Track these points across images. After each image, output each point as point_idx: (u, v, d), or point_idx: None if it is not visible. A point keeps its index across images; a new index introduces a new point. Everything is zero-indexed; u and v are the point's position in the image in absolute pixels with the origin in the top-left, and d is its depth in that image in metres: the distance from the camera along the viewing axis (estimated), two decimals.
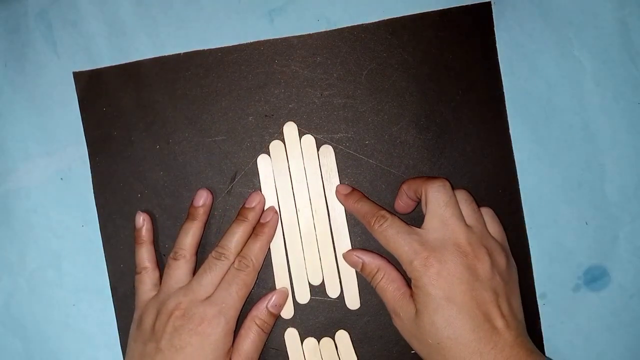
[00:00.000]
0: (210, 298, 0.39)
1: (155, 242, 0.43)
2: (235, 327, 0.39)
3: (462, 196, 0.39)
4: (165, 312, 0.38)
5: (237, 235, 0.40)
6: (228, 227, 0.41)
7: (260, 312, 0.40)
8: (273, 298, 0.41)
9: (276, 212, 0.42)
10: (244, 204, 0.42)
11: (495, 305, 0.35)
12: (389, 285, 0.38)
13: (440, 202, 0.37)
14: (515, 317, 0.36)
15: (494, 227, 0.39)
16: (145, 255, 0.42)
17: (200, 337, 0.37)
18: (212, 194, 0.42)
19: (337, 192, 0.42)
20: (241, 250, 0.40)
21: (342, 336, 0.42)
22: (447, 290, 0.35)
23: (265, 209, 0.42)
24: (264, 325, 0.40)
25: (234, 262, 0.40)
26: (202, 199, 0.42)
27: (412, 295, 0.37)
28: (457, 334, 0.35)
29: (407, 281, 0.38)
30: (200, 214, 0.41)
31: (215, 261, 0.40)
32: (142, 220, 0.42)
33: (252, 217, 0.41)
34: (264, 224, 0.41)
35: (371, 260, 0.39)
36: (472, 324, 0.35)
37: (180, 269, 0.40)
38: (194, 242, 0.41)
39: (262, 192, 0.42)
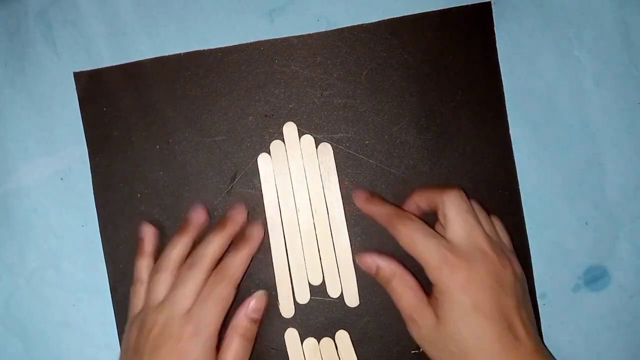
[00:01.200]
0: (188, 314, 0.37)
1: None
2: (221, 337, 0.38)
3: (476, 205, 0.38)
4: (145, 330, 0.37)
5: (212, 244, 0.39)
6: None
7: (240, 320, 0.39)
8: (251, 303, 0.39)
9: (262, 227, 0.41)
10: (226, 213, 0.41)
11: (517, 314, 0.35)
12: (406, 292, 0.37)
13: (461, 210, 0.37)
14: (533, 325, 0.36)
15: (504, 235, 0.39)
16: (144, 268, 0.40)
17: (180, 355, 0.36)
18: (207, 212, 0.41)
19: (356, 197, 0.41)
20: (218, 261, 0.39)
21: (342, 336, 0.42)
22: (474, 297, 0.34)
23: (255, 222, 0.41)
24: (246, 333, 0.38)
25: (210, 274, 0.38)
26: (197, 215, 0.41)
27: (430, 301, 0.36)
28: (484, 343, 0.34)
29: (424, 287, 0.37)
30: (192, 229, 0.40)
31: (186, 272, 0.38)
32: (147, 232, 0.41)
33: (231, 227, 0.40)
34: (249, 237, 0.40)
35: (387, 265, 0.38)
36: (497, 333, 0.34)
37: (161, 282, 0.38)
38: (179, 256, 0.39)
39: (263, 192, 0.42)
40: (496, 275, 0.35)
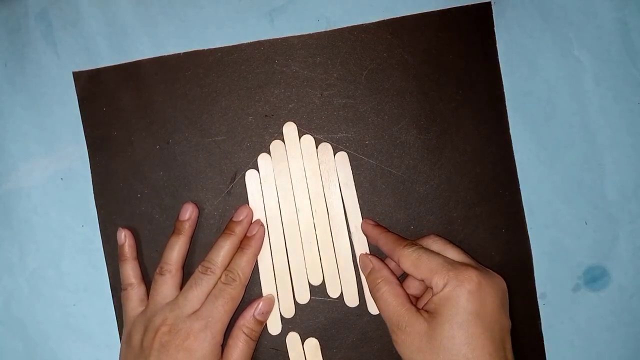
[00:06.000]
0: (197, 312, 0.38)
1: (155, 243, 0.43)
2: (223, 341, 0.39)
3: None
4: (152, 329, 0.38)
5: (224, 249, 0.40)
6: (215, 240, 0.41)
7: (248, 320, 0.40)
8: (260, 305, 0.41)
9: (262, 225, 0.42)
10: (232, 218, 0.42)
11: (509, 338, 0.35)
12: (393, 299, 0.37)
13: (447, 245, 0.38)
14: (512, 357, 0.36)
15: None
16: (130, 272, 0.42)
17: (187, 352, 0.37)
18: (197, 207, 0.42)
19: (364, 223, 0.42)
20: (228, 264, 0.40)
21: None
22: (479, 307, 0.34)
23: (253, 220, 0.42)
24: (252, 334, 0.40)
25: (220, 276, 0.40)
26: (188, 212, 0.42)
27: (420, 311, 0.36)
28: (475, 353, 0.33)
29: (412, 299, 0.37)
30: (186, 228, 0.41)
31: (201, 276, 0.39)
32: (123, 237, 0.42)
33: (239, 230, 0.41)
34: (251, 237, 0.41)
35: (381, 267, 0.39)
36: (492, 348, 0.34)
37: (166, 284, 0.40)
38: (179, 257, 0.41)
39: (263, 192, 0.42)
40: (503, 294, 0.36)
